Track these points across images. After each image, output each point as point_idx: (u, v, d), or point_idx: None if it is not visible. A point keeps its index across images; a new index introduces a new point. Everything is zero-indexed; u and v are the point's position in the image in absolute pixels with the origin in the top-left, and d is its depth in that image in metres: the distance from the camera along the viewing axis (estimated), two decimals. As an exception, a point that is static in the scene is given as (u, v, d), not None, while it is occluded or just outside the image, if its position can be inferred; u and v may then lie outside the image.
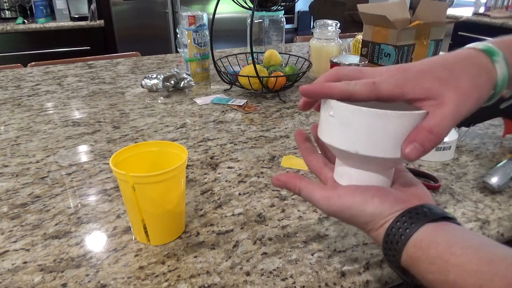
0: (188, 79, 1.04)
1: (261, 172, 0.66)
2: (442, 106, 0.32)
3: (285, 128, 0.83)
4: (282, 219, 0.54)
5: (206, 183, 0.63)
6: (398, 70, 0.35)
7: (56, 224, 0.53)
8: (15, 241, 0.50)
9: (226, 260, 0.46)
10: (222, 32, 2.75)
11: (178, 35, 1.11)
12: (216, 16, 0.99)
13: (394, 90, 0.33)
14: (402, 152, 0.33)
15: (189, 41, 1.07)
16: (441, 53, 1.34)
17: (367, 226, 0.36)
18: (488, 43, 0.36)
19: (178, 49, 1.14)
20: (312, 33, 1.16)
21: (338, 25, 1.13)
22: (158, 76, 1.05)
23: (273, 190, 0.60)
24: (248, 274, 0.44)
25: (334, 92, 0.34)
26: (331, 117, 0.35)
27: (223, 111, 0.93)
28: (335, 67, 0.39)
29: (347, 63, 1.01)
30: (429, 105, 0.33)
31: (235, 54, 1.20)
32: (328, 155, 0.44)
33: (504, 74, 0.34)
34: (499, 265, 0.28)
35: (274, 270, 0.45)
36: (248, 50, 1.04)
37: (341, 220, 0.38)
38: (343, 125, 0.34)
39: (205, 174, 0.65)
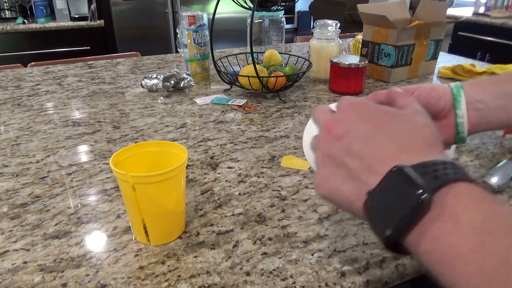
0: (188, 79, 1.04)
1: (261, 172, 0.66)
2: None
3: (285, 128, 0.83)
4: (282, 219, 0.54)
5: (206, 183, 0.63)
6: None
7: (56, 224, 0.53)
8: (15, 241, 0.50)
9: (226, 260, 0.46)
10: (222, 32, 2.75)
11: (178, 35, 1.11)
12: (216, 16, 0.99)
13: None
14: None
15: (189, 41, 1.07)
16: (441, 53, 1.34)
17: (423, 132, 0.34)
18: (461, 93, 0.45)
19: (178, 49, 1.14)
20: (312, 33, 1.16)
21: (338, 25, 1.13)
22: (158, 76, 1.05)
23: (273, 190, 0.61)
24: (248, 274, 0.44)
25: None
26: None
27: (223, 111, 0.93)
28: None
29: (347, 63, 1.01)
30: None
31: (235, 54, 1.20)
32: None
33: (463, 118, 0.45)
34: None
35: (274, 270, 0.45)
36: (248, 50, 1.04)
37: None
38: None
39: (205, 174, 0.65)
